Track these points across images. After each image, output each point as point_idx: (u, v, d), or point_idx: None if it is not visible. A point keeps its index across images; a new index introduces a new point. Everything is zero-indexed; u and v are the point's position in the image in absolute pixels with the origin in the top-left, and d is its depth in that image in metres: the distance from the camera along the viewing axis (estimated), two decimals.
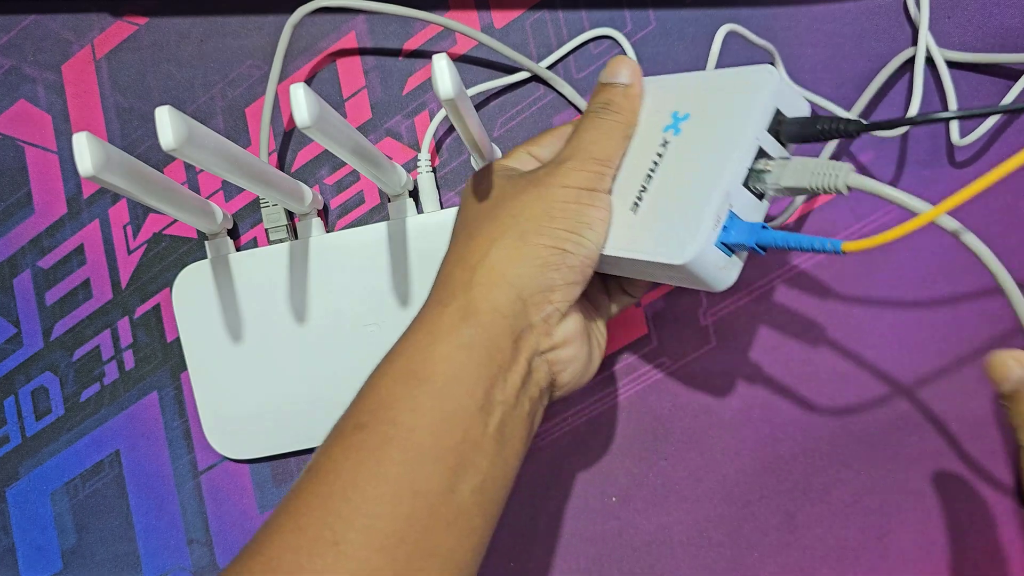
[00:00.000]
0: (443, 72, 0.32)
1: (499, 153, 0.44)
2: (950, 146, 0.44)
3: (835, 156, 0.43)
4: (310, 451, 0.46)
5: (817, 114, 0.35)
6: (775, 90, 0.31)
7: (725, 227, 0.31)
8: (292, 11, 0.45)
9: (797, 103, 0.32)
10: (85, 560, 0.47)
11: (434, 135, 0.46)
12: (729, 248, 0.31)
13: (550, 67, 0.46)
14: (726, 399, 0.44)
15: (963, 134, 0.42)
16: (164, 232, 0.47)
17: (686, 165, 0.32)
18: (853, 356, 0.44)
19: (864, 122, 0.31)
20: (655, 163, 0.33)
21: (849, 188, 0.30)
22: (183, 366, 0.47)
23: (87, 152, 0.33)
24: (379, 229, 0.45)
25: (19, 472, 0.48)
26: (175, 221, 0.47)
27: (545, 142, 0.38)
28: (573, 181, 0.34)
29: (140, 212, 0.48)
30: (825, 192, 0.30)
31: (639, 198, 0.33)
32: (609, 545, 0.44)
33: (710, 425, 0.44)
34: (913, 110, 0.39)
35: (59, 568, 0.47)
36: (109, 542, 0.47)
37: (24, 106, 0.49)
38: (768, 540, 0.44)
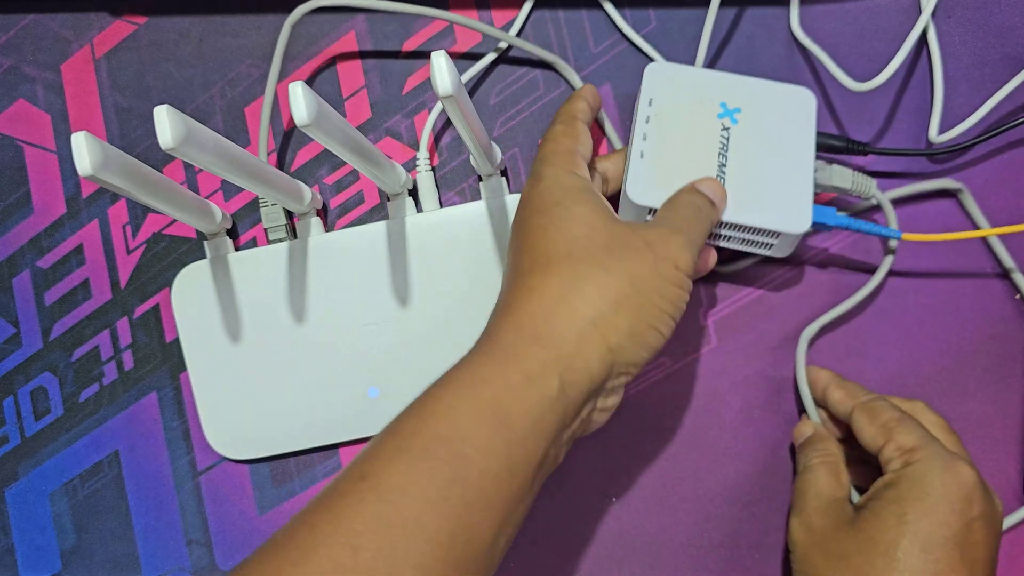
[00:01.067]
0: (442, 69, 0.32)
1: (499, 152, 0.44)
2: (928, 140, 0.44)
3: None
4: (310, 451, 0.46)
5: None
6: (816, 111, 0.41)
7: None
8: (291, 10, 0.45)
9: None
10: (84, 560, 0.47)
11: (433, 131, 0.46)
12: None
13: (519, 32, 0.46)
14: (726, 399, 0.44)
15: (941, 131, 0.44)
16: (163, 232, 0.47)
17: (761, 151, 0.40)
18: (852, 356, 0.44)
19: (871, 146, 0.43)
20: (723, 143, 0.40)
21: (872, 196, 0.42)
22: (182, 366, 0.46)
23: (86, 152, 0.33)
24: (378, 228, 0.45)
25: (18, 472, 0.48)
26: (174, 221, 0.47)
27: (616, 159, 0.41)
28: (684, 263, 0.34)
29: (139, 212, 0.48)
30: (856, 195, 0.41)
31: (722, 172, 0.39)
32: (609, 545, 0.44)
33: (710, 425, 0.44)
34: (895, 63, 0.42)
35: (58, 568, 0.47)
36: (108, 542, 0.47)
37: (23, 106, 0.49)
38: (768, 541, 0.44)
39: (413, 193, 0.46)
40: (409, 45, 0.47)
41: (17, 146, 0.49)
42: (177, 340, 0.46)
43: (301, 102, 0.32)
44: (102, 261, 0.48)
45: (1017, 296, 0.44)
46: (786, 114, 0.41)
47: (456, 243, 0.44)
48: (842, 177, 0.41)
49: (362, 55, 0.47)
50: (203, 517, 0.47)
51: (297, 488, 0.46)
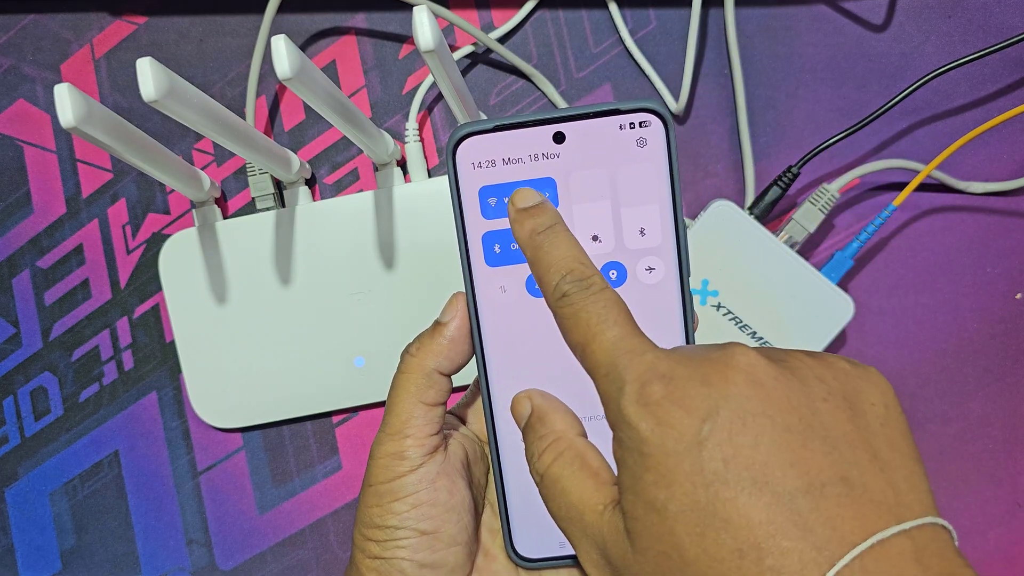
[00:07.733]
0: (424, 24, 0.31)
1: (484, 119, 0.44)
2: None
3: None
4: (297, 420, 0.46)
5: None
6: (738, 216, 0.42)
7: (827, 275, 0.42)
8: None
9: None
10: (84, 560, 0.47)
11: (424, 106, 0.46)
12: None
13: (507, 35, 0.46)
14: None
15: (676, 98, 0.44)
16: (163, 232, 0.47)
17: (758, 297, 0.42)
18: (852, 355, 0.44)
19: (794, 167, 0.43)
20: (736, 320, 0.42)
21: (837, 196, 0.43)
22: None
23: (69, 103, 0.32)
24: (366, 198, 0.45)
25: (18, 472, 0.48)
26: (174, 221, 0.47)
27: None
28: None
29: (139, 212, 0.48)
30: (823, 211, 0.42)
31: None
32: None
33: None
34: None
35: (58, 568, 0.47)
36: (108, 542, 0.47)
37: (23, 106, 0.49)
38: None
39: (402, 165, 0.46)
40: (409, 45, 0.47)
41: (17, 146, 0.49)
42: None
43: (283, 55, 0.31)
44: (102, 261, 0.48)
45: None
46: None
47: (443, 214, 0.44)
48: (810, 217, 0.42)
49: (362, 55, 0.47)
50: (203, 517, 0.47)
51: (297, 488, 0.46)
